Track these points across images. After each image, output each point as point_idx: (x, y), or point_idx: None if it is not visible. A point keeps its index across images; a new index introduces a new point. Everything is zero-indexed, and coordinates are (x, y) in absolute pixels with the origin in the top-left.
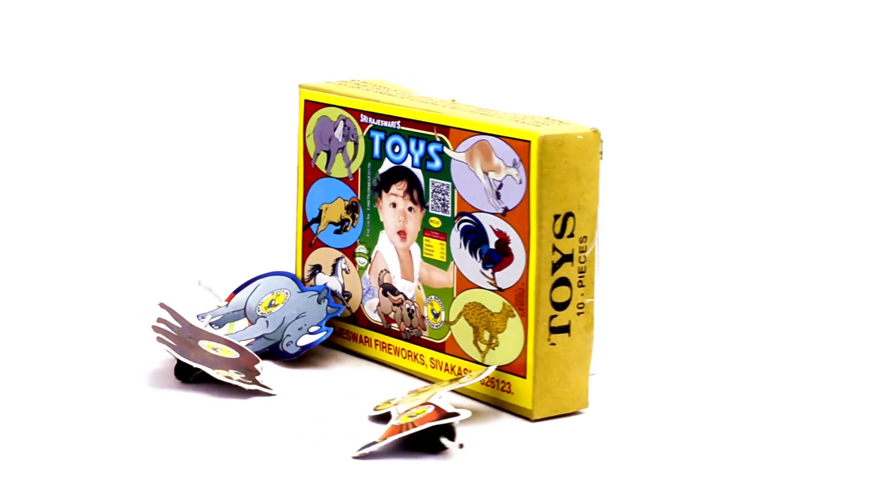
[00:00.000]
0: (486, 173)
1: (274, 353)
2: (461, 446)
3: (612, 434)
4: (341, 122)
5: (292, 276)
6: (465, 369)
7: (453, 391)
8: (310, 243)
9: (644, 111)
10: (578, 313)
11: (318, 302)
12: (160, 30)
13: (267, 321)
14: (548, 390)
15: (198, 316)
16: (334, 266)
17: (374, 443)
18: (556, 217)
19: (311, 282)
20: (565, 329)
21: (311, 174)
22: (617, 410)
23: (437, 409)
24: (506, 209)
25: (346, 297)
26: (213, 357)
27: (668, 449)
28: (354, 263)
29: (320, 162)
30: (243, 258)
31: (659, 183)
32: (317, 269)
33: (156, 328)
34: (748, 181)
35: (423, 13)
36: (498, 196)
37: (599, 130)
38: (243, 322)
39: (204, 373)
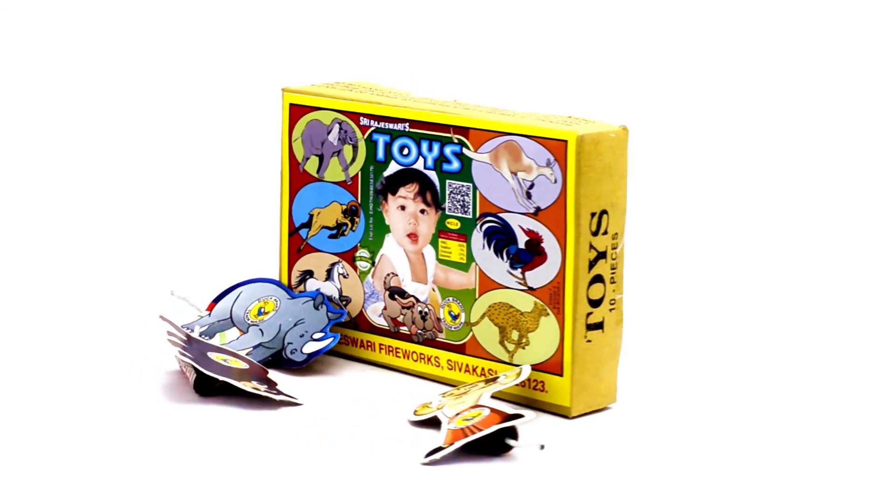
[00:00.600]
0: (514, 174)
1: (277, 361)
2: (542, 447)
3: (646, 427)
4: (336, 126)
5: (277, 283)
6: (490, 370)
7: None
8: (298, 249)
9: (641, 109)
10: (610, 309)
11: (316, 308)
12: (131, 37)
13: (261, 330)
14: (584, 387)
15: (183, 326)
16: (329, 271)
17: (441, 448)
18: (593, 215)
19: (301, 287)
20: (600, 326)
21: (299, 179)
22: (642, 404)
23: (495, 411)
24: (538, 209)
25: (344, 302)
26: (234, 370)
27: (701, 441)
28: (354, 268)
29: (310, 166)
30: (220, 265)
31: (656, 179)
32: (307, 274)
33: (172, 342)
34: (749, 177)
35: (397, 14)
36: (529, 196)
37: (628, 128)
38: (234, 331)
39: (220, 386)
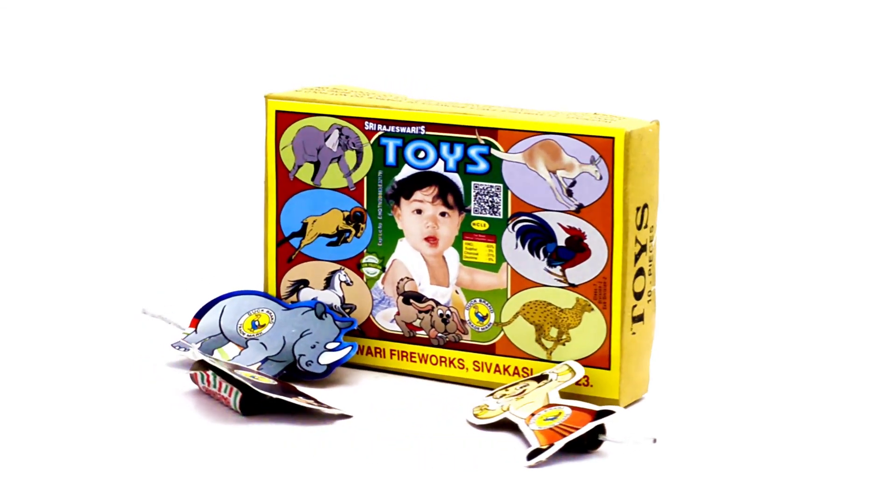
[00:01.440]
0: (552, 172)
1: (291, 375)
2: (654, 441)
3: (682, 415)
4: (335, 131)
5: (263, 294)
6: (525, 368)
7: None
8: (289, 258)
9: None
10: (648, 301)
11: (319, 317)
12: (96, 50)
13: (263, 343)
14: (629, 379)
15: (174, 345)
16: (329, 279)
17: (541, 450)
18: (637, 209)
19: (293, 298)
20: (641, 318)
21: (289, 187)
22: (673, 392)
23: (580, 409)
24: (580, 206)
25: (347, 310)
26: (276, 386)
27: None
28: (360, 274)
29: (303, 174)
30: (194, 278)
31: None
32: (300, 284)
33: (197, 372)
34: (750, 168)
35: (367, 16)
36: (570, 193)
37: (659, 122)
38: (232, 347)
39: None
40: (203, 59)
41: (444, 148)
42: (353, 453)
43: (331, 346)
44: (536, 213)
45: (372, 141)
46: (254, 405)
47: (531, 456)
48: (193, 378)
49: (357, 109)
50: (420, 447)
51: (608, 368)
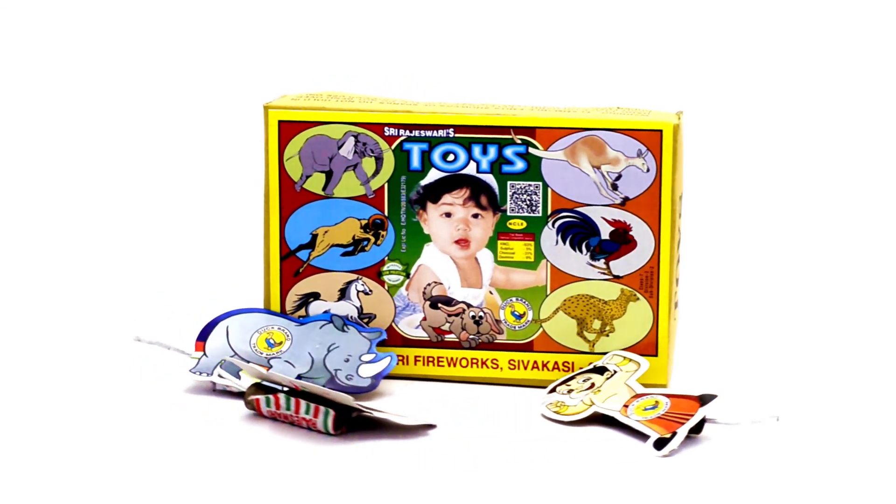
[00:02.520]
0: (596, 168)
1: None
2: (777, 419)
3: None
4: (350, 139)
5: (266, 311)
6: (566, 363)
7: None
8: (296, 272)
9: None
10: (677, 288)
11: (341, 330)
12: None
13: (288, 362)
14: (671, 363)
15: (193, 371)
16: (344, 290)
17: (666, 439)
18: (679, 199)
19: (302, 312)
20: (677, 305)
21: (294, 199)
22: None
23: (680, 396)
24: (626, 199)
25: (366, 320)
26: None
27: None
28: (381, 283)
29: (313, 184)
30: (185, 298)
31: None
32: (310, 297)
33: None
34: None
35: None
36: (615, 187)
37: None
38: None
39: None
40: (190, 68)
41: (477, 150)
42: (456, 462)
43: (366, 357)
44: (578, 209)
45: (394, 146)
46: (344, 423)
47: (659, 445)
48: (255, 404)
49: (375, 115)
50: (518, 448)
51: (655, 355)
